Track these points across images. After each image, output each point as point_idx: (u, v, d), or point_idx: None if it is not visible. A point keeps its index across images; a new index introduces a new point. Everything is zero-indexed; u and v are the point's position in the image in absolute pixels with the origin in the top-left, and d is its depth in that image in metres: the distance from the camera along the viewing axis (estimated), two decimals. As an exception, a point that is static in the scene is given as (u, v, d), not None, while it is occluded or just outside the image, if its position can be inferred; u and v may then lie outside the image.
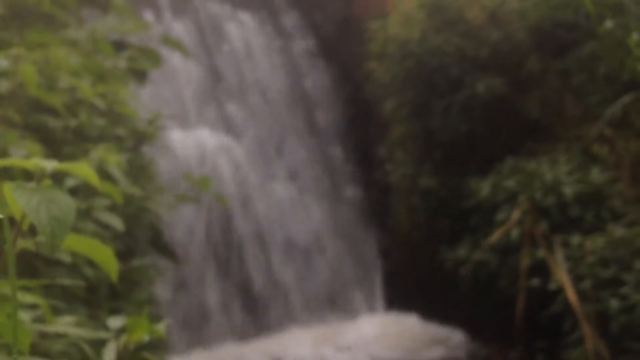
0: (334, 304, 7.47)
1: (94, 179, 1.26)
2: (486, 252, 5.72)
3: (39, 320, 1.67)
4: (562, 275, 5.14)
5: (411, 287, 7.41)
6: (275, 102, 8.05)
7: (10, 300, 1.45)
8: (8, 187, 1.07)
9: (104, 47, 3.83)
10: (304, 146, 8.03)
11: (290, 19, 8.66)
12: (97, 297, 2.64)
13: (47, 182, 1.22)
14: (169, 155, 6.19)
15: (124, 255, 3.00)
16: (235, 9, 8.19)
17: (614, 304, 4.83)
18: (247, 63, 8.01)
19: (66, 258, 2.22)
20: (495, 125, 6.31)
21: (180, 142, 7.00)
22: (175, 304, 6.50)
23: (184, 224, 6.63)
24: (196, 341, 6.64)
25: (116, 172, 2.75)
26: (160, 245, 3.81)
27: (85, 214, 2.53)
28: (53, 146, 2.97)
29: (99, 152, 2.71)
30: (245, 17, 8.24)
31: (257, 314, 7.07)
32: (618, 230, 5.06)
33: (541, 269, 5.35)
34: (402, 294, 7.59)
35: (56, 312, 1.82)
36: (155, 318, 2.99)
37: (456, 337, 6.73)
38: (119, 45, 4.20)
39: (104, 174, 2.69)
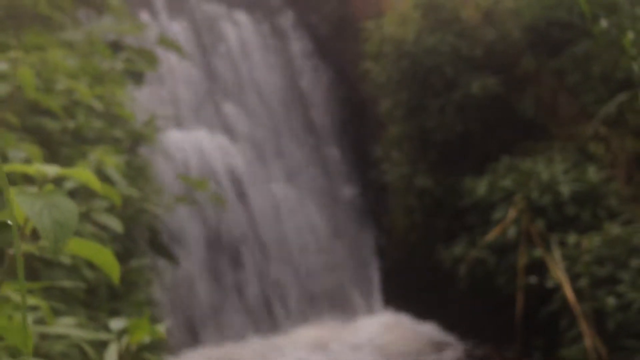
0: (331, 303, 7.48)
1: (95, 184, 1.28)
2: (483, 251, 5.73)
3: (39, 321, 1.68)
4: (559, 274, 5.17)
5: (409, 286, 7.42)
6: (272, 102, 8.06)
7: (11, 302, 1.46)
8: (11, 192, 1.09)
9: (101, 48, 3.83)
10: (300, 146, 8.04)
11: (286, 19, 8.67)
12: (97, 298, 2.65)
13: (49, 186, 1.23)
14: (166, 156, 6.18)
15: (122, 257, 3.00)
16: (231, 9, 8.19)
17: (611, 302, 4.86)
18: (244, 63, 8.01)
19: (66, 260, 2.23)
20: (491, 124, 6.32)
21: (177, 143, 6.99)
22: (173, 304, 6.51)
23: (181, 224, 6.63)
24: (194, 342, 6.64)
25: (114, 174, 2.76)
26: (159, 246, 3.82)
27: (84, 216, 2.53)
28: (51, 148, 2.97)
29: (97, 154, 2.71)
30: (241, 17, 8.24)
31: (254, 314, 7.07)
32: (614, 229, 5.09)
33: (538, 268, 5.37)
34: (399, 293, 7.60)
35: (56, 313, 1.83)
36: (154, 319, 3.00)
37: (454, 335, 6.75)
38: (116, 47, 4.20)
39: (102, 176, 2.69)
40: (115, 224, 2.56)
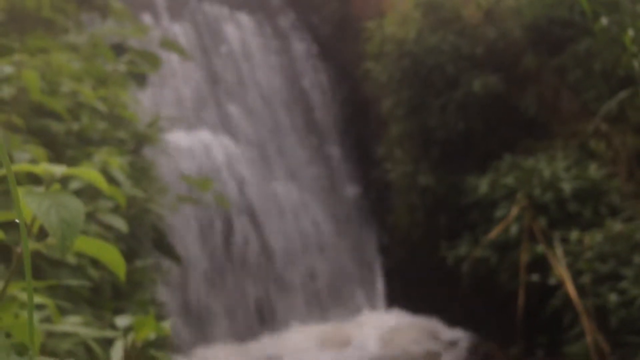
0: (335, 301, 7.51)
1: (102, 183, 1.30)
2: (485, 248, 5.74)
3: (46, 320, 1.70)
4: (561, 271, 5.18)
5: (412, 284, 7.44)
6: (274, 102, 8.09)
7: (17, 300, 1.49)
8: (20, 192, 1.10)
9: (104, 51, 3.87)
10: (302, 145, 8.07)
11: (287, 20, 8.70)
12: (101, 297, 2.66)
13: (56, 186, 1.26)
14: (170, 157, 6.22)
15: (127, 256, 3.01)
16: (233, 11, 8.23)
17: (613, 298, 4.86)
18: (246, 64, 8.05)
19: (71, 259, 2.25)
20: (493, 122, 6.34)
21: (181, 144, 7.04)
22: (177, 303, 6.54)
23: (185, 224, 6.67)
24: (199, 341, 6.68)
25: (119, 175, 2.79)
26: (163, 246, 3.85)
27: (89, 216, 2.56)
28: (56, 150, 3.00)
29: (101, 155, 2.74)
30: (243, 18, 8.27)
31: (258, 312, 7.10)
32: (616, 226, 5.09)
33: (541, 265, 5.38)
34: (402, 291, 7.62)
35: (62, 312, 1.85)
36: (159, 317, 3.03)
37: (457, 333, 6.76)
38: (119, 49, 4.23)
39: (107, 177, 2.72)
40: (120, 224, 2.59)
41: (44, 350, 1.67)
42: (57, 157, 2.90)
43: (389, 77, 6.65)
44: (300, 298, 7.37)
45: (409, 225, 7.01)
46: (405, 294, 7.54)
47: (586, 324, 4.98)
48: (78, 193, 2.61)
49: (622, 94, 5.54)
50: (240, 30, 8.17)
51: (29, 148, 2.52)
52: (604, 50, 5.83)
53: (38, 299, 1.52)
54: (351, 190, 8.22)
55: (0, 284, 1.20)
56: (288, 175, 7.81)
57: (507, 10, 6.33)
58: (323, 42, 8.66)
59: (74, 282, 2.25)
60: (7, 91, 2.78)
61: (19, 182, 2.14)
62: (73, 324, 1.76)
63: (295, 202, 7.67)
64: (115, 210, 2.76)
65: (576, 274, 5.15)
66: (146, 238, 3.63)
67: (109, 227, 2.70)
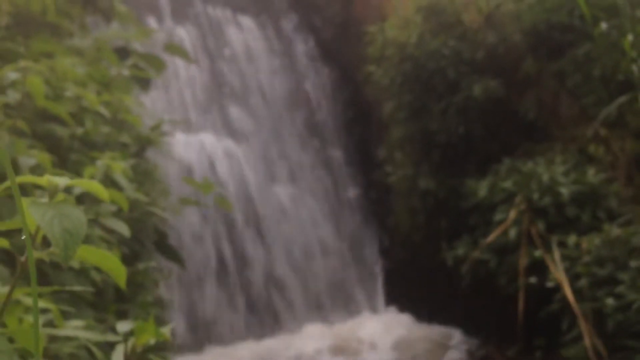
0: (336, 303, 7.56)
1: (103, 194, 1.34)
2: (485, 251, 5.78)
3: (49, 324, 1.73)
4: (559, 274, 5.21)
5: (412, 286, 7.48)
6: (276, 104, 8.15)
7: (21, 305, 1.53)
8: (24, 202, 1.16)
9: (108, 55, 3.92)
10: (304, 148, 8.13)
11: (289, 23, 8.76)
12: (104, 300, 2.68)
13: (60, 196, 1.31)
14: (173, 160, 6.28)
15: (129, 259, 3.06)
16: (236, 14, 8.29)
17: (610, 302, 4.89)
18: (249, 66, 8.11)
19: (74, 264, 2.29)
20: (493, 126, 6.38)
21: (184, 146, 7.10)
22: (179, 305, 6.60)
23: (187, 226, 6.73)
24: (201, 342, 6.74)
25: (121, 180, 2.83)
26: (166, 248, 3.89)
27: (92, 220, 2.61)
28: (60, 154, 3.04)
29: (105, 159, 2.79)
30: (246, 21, 8.33)
31: (259, 314, 7.16)
32: (614, 230, 5.11)
33: (539, 268, 5.41)
34: (403, 293, 7.67)
35: (65, 316, 1.88)
36: (161, 320, 3.07)
37: (456, 335, 6.81)
38: (123, 52, 4.28)
39: (110, 181, 2.77)
40: (123, 228, 2.63)
41: (46, 354, 1.69)
42: (61, 161, 2.95)
43: (390, 81, 6.69)
44: (301, 299, 7.42)
45: (410, 227, 7.06)
46: (405, 295, 7.58)
47: (584, 327, 5.01)
48: (81, 197, 2.66)
49: (621, 99, 5.57)
50: (243, 33, 8.23)
51: (34, 153, 2.57)
52: (604, 55, 5.86)
53: (41, 304, 1.55)
54: (352, 193, 8.27)
55: (4, 290, 1.24)
56: (290, 177, 7.87)
57: (507, 15, 6.36)
58: (325, 45, 8.71)
59: (77, 286, 2.27)
60: (13, 96, 2.83)
61: (25, 188, 2.19)
62: (75, 328, 1.79)
63: (297, 204, 7.73)
64: (118, 213, 2.80)
65: (574, 278, 5.18)
66: (148, 240, 3.65)
67: (111, 231, 2.74)
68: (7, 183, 1.15)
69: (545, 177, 5.59)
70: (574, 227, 5.43)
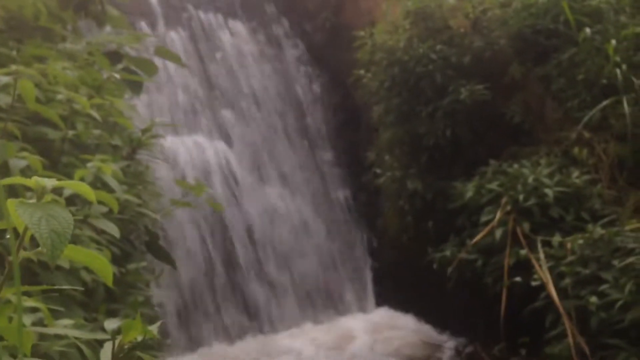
0: (325, 303, 7.64)
1: (90, 195, 1.39)
2: (471, 251, 5.84)
3: (39, 323, 1.73)
4: (544, 274, 5.28)
5: (401, 286, 7.57)
6: (268, 108, 8.24)
7: (11, 304, 1.58)
8: (12, 203, 1.17)
9: (100, 59, 3.97)
10: (295, 150, 8.21)
11: (280, 28, 8.86)
12: (95, 300, 2.71)
13: (48, 197, 1.36)
14: (165, 162, 6.34)
15: (120, 259, 3.08)
16: (227, 19, 8.38)
17: (594, 300, 4.96)
18: (240, 71, 8.19)
19: (64, 264, 2.34)
20: (479, 129, 6.47)
21: (176, 148, 7.17)
22: (171, 305, 6.66)
23: (178, 227, 6.79)
24: (192, 342, 6.79)
25: (112, 181, 2.88)
26: (156, 249, 3.94)
27: (83, 221, 2.65)
28: (51, 156, 3.08)
29: (96, 162, 2.83)
30: (237, 26, 8.42)
31: (250, 314, 7.22)
32: (597, 230, 5.18)
33: (524, 268, 5.47)
34: (391, 293, 7.75)
35: (55, 315, 1.89)
36: (152, 319, 3.12)
37: (444, 334, 6.89)
38: (115, 56, 4.33)
39: (101, 183, 2.82)
40: (112, 229, 2.67)
41: (36, 352, 1.70)
42: (52, 163, 2.99)
43: (379, 85, 6.78)
44: (291, 299, 7.49)
45: (398, 228, 7.13)
46: (394, 295, 7.67)
47: (567, 325, 5.08)
48: (72, 198, 2.71)
49: (605, 103, 5.68)
50: (234, 38, 8.32)
51: (25, 156, 2.62)
52: (588, 59, 5.97)
53: (31, 303, 1.56)
54: (342, 194, 8.36)
55: None
56: (280, 179, 7.95)
57: (494, 21, 6.47)
58: (316, 49, 8.81)
59: (67, 286, 2.29)
60: (4, 100, 2.88)
61: (16, 190, 2.26)
62: (65, 326, 1.82)
63: (288, 206, 7.81)
64: (109, 214, 2.84)
65: (558, 277, 5.24)
66: (139, 241, 3.69)
67: (102, 232, 2.78)
68: (-4, 183, 1.21)
69: (531, 179, 5.66)
70: (559, 227, 5.50)
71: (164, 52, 4.72)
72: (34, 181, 1.33)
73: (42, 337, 1.80)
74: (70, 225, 1.21)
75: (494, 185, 5.80)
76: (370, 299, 7.89)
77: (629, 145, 5.60)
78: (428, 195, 6.52)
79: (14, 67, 2.89)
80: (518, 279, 5.44)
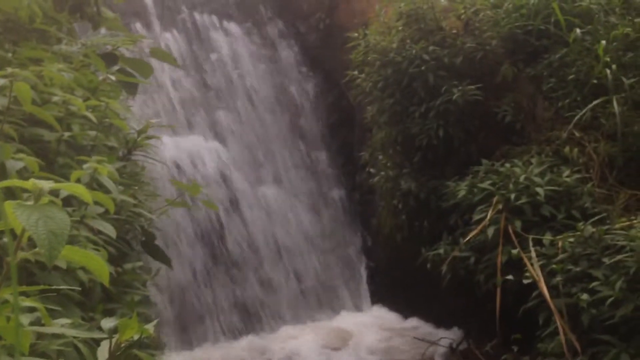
0: (321, 301, 7.70)
1: (87, 197, 1.42)
2: (464, 250, 5.88)
3: (37, 322, 1.73)
4: (535, 272, 5.32)
5: (395, 284, 7.63)
6: (262, 108, 8.29)
7: (9, 304, 1.61)
8: (10, 205, 1.20)
9: (95, 60, 4.00)
10: (290, 150, 8.27)
11: (275, 29, 8.91)
12: (92, 300, 2.73)
13: (45, 199, 1.40)
14: (161, 162, 6.38)
15: (117, 259, 3.10)
16: (222, 20, 8.42)
17: (585, 298, 5.01)
18: (235, 71, 8.24)
19: (61, 264, 2.37)
20: (472, 129, 6.52)
21: (171, 149, 7.21)
22: (167, 305, 6.70)
23: (174, 227, 6.83)
24: (188, 341, 6.84)
25: (108, 182, 2.91)
26: (152, 249, 3.98)
27: (79, 221, 2.69)
28: (48, 158, 3.11)
29: (92, 163, 2.86)
30: (232, 27, 8.47)
31: (246, 313, 7.27)
32: (588, 228, 5.23)
33: (516, 266, 5.52)
34: (386, 292, 7.81)
35: (53, 315, 1.84)
36: (148, 319, 3.16)
37: (438, 331, 6.95)
38: (111, 57, 4.36)
39: (97, 183, 2.85)
40: (109, 229, 2.70)
41: (34, 351, 1.72)
42: (48, 164, 3.03)
43: (373, 85, 6.82)
44: (287, 298, 7.54)
45: (392, 227, 7.18)
46: (388, 293, 7.73)
47: (559, 322, 5.13)
48: (69, 199, 2.74)
49: (595, 102, 5.75)
50: (229, 39, 8.37)
51: (22, 157, 2.65)
52: (578, 60, 6.04)
53: (29, 303, 1.58)
54: (336, 194, 8.42)
55: None
56: (276, 178, 8.00)
57: (486, 22, 6.52)
58: (310, 50, 8.86)
59: (64, 286, 2.32)
60: (1, 102, 2.91)
61: (13, 191, 2.29)
62: (62, 326, 1.85)
63: (283, 205, 7.86)
64: (105, 215, 2.87)
65: (550, 275, 5.29)
66: (135, 241, 3.72)
67: (99, 232, 2.82)
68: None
69: (522, 178, 5.69)
70: (550, 226, 5.53)
71: (159, 53, 4.75)
72: (31, 183, 1.37)
73: (40, 336, 1.80)
74: (67, 226, 1.25)
75: (486, 185, 5.84)
76: (365, 297, 7.95)
77: (619, 144, 5.66)
78: (421, 195, 6.57)
79: (10, 70, 2.93)
80: (510, 277, 5.48)
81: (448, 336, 6.72)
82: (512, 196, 5.61)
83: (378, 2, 7.28)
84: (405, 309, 7.42)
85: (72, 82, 3.50)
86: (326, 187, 8.36)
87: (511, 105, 6.39)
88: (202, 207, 6.74)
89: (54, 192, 1.40)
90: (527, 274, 5.35)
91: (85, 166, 2.86)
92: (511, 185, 5.69)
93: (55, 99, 3.19)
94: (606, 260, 5.05)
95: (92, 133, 3.35)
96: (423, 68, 6.39)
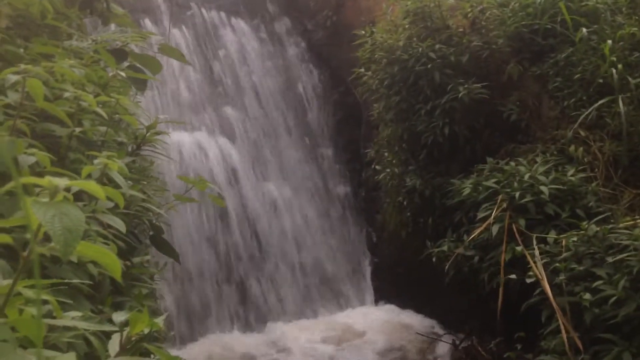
0: (326, 297, 7.75)
1: (100, 194, 1.46)
2: (468, 247, 5.91)
3: (48, 315, 1.77)
4: (538, 270, 5.35)
5: (399, 281, 7.67)
6: (269, 104, 8.34)
7: (22, 297, 1.66)
8: (28, 202, 1.23)
9: (106, 57, 4.05)
10: (296, 147, 8.32)
11: (282, 26, 8.95)
12: (101, 293, 2.78)
13: (60, 196, 1.44)
14: (169, 157, 6.44)
15: (126, 253, 3.15)
16: (230, 17, 8.47)
17: (588, 296, 5.02)
18: (242, 68, 8.29)
19: (73, 258, 2.42)
20: (477, 127, 6.54)
21: (179, 144, 7.27)
22: (174, 298, 6.77)
23: (182, 222, 6.90)
24: (194, 335, 6.91)
25: (119, 177, 2.97)
26: (161, 243, 4.04)
27: (90, 216, 2.75)
28: (59, 153, 3.17)
29: (102, 158, 2.92)
30: (240, 24, 8.52)
31: (250, 307, 7.33)
32: (592, 227, 5.24)
33: (520, 264, 5.54)
34: (390, 288, 7.85)
35: (64, 307, 1.96)
36: (156, 312, 3.21)
37: (441, 328, 7.00)
38: (120, 54, 4.41)
39: (107, 178, 2.91)
40: (119, 224, 2.75)
41: (45, 343, 1.74)
42: (60, 159, 3.08)
43: (379, 83, 6.85)
44: (291, 293, 7.60)
45: (397, 224, 7.22)
46: (392, 290, 7.77)
47: (561, 320, 5.15)
48: (79, 193, 2.79)
49: (601, 102, 5.76)
50: (237, 36, 8.41)
51: (34, 152, 2.70)
52: (584, 59, 6.05)
53: (41, 296, 1.58)
54: (342, 190, 8.46)
55: (6, 283, 1.34)
56: (282, 175, 8.06)
57: (492, 20, 6.54)
58: (316, 47, 8.90)
59: (75, 280, 2.38)
60: (13, 97, 2.96)
61: (26, 186, 2.35)
62: (73, 318, 1.90)
63: (288, 201, 7.91)
64: (115, 209, 2.93)
65: (553, 273, 5.31)
66: (144, 235, 3.78)
67: (108, 226, 2.87)
68: (12, 184, 1.28)
69: (527, 177, 5.71)
70: (554, 224, 5.54)
71: (168, 49, 4.80)
72: (47, 180, 1.41)
73: (51, 328, 1.84)
74: (82, 223, 1.28)
75: (490, 183, 5.86)
76: (369, 293, 8.00)
77: (624, 143, 5.68)
78: (426, 192, 6.60)
79: (22, 66, 2.98)
80: (513, 276, 5.50)
81: (451, 333, 6.76)
82: (517, 194, 5.63)
83: (385, 0, 7.31)
84: (409, 305, 7.46)
85: (83, 78, 3.55)
86: (332, 183, 8.40)
87: (517, 103, 6.41)
88: (208, 202, 6.81)
89: (66, 188, 1.44)
90: (531, 273, 5.37)
91: (95, 161, 2.91)
92: (516, 184, 5.72)
93: (66, 94, 3.24)
94: (610, 259, 5.06)
95: (103, 129, 3.41)
96: (429, 66, 6.42)
